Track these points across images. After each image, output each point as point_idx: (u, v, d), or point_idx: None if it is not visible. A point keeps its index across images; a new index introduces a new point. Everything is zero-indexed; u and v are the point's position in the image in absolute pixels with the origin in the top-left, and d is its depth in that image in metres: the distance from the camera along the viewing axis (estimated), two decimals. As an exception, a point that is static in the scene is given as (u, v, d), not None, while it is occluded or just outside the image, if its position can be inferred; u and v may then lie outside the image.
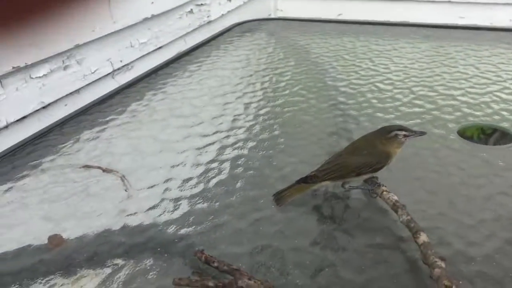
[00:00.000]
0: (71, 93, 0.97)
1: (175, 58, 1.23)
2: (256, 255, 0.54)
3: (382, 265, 0.52)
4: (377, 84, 1.01)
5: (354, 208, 0.62)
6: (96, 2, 1.02)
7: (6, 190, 0.70)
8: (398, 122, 0.82)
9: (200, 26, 1.38)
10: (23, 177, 0.73)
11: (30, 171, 0.74)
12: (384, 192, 0.62)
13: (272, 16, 1.77)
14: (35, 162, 0.77)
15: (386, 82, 1.01)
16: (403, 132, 0.61)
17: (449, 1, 1.50)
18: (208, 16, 1.41)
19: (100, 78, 1.04)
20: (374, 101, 0.92)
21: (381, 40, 1.30)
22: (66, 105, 0.96)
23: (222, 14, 1.48)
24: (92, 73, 1.02)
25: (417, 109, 0.88)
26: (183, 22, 1.29)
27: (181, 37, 1.29)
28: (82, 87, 1.00)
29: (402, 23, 1.45)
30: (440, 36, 1.32)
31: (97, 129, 0.87)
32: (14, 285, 0.52)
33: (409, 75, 1.05)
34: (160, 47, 1.22)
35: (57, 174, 0.73)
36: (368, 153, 0.62)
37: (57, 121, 0.91)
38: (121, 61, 1.10)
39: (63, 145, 0.82)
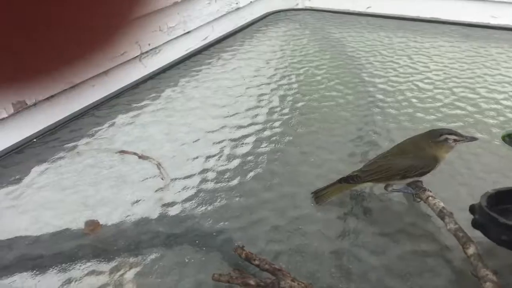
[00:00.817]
0: (98, 75, 0.96)
1: (208, 45, 1.21)
2: (296, 255, 0.53)
3: (428, 274, 0.51)
4: (417, 82, 0.98)
5: (396, 211, 0.61)
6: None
7: (43, 171, 0.69)
8: (440, 124, 0.80)
9: (228, 13, 1.35)
10: (59, 159, 0.73)
11: (66, 153, 0.74)
12: (430, 198, 0.60)
13: (300, 5, 1.74)
14: (71, 144, 0.77)
15: (426, 81, 0.98)
16: (454, 137, 0.59)
17: (483, -1, 1.45)
18: (236, 3, 1.39)
19: (128, 61, 1.03)
20: (414, 100, 0.90)
21: (419, 37, 1.26)
22: (93, 86, 0.95)
23: (251, 1, 1.45)
24: (121, 55, 1.01)
25: (459, 111, 0.85)
26: (211, 8, 1.27)
27: (209, 23, 1.27)
28: (110, 69, 0.99)
29: (435, 20, 1.40)
30: (480, 36, 1.28)
31: (131, 114, 0.86)
32: (53, 269, 0.52)
33: (450, 75, 1.02)
34: (187, 32, 1.21)
35: (93, 158, 0.73)
36: (415, 156, 0.60)
37: (90, 104, 0.90)
38: (149, 44, 1.09)
39: (99, 128, 0.81)
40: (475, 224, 0.53)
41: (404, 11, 1.48)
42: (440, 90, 0.94)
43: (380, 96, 0.91)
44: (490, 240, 0.51)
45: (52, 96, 0.87)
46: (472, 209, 0.55)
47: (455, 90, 0.94)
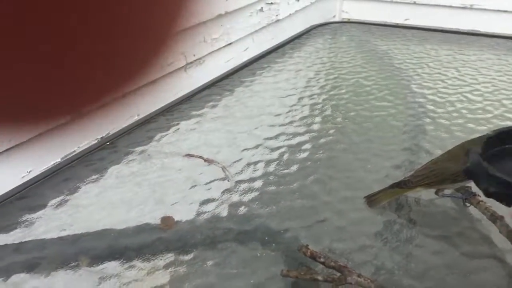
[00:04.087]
0: (146, 84, 1.01)
1: (260, 56, 1.27)
2: (360, 253, 0.57)
3: (488, 273, 0.54)
4: (466, 94, 1.00)
5: (450, 216, 0.64)
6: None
7: (119, 172, 0.76)
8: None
9: (268, 25, 1.40)
10: (132, 161, 0.79)
11: (137, 156, 0.81)
12: (481, 202, 0.63)
13: (337, 17, 1.77)
14: (140, 147, 0.83)
15: (475, 93, 1.01)
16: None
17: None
18: (276, 15, 1.44)
19: (174, 71, 1.09)
20: (464, 111, 0.92)
21: (465, 50, 1.28)
22: (142, 95, 1.01)
23: (290, 14, 1.50)
24: (168, 65, 1.06)
25: (509, 123, 0.87)
26: (253, 20, 1.32)
27: (249, 34, 1.32)
28: (157, 79, 1.04)
29: (478, 33, 1.41)
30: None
31: (193, 120, 0.92)
32: (138, 259, 0.58)
33: (498, 87, 1.04)
34: (230, 43, 1.26)
35: (163, 161, 0.78)
36: (465, 161, 0.63)
37: (157, 110, 0.97)
38: (194, 55, 1.14)
39: (165, 133, 0.87)
40: (466, 172, 0.56)
41: (442, 23, 1.49)
42: (490, 102, 0.96)
43: (431, 107, 0.95)
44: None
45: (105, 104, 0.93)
46: (466, 154, 0.57)
47: (504, 102, 0.97)
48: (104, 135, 0.91)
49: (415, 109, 0.94)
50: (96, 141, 0.89)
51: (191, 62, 1.15)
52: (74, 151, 0.85)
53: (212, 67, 1.19)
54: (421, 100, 0.98)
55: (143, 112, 0.98)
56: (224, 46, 1.25)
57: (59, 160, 0.82)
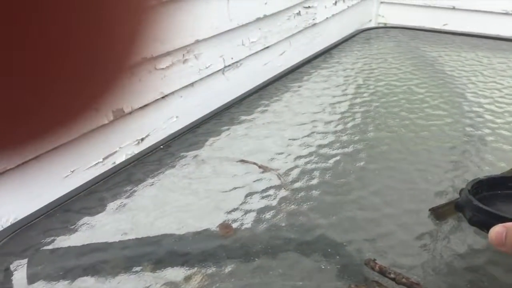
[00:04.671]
0: (186, 86, 1.02)
1: (298, 60, 1.26)
2: (429, 270, 0.55)
3: None
4: (525, 104, 0.97)
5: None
6: (217, 0, 1.06)
7: (175, 177, 0.76)
8: (558, 148, 0.79)
9: (305, 29, 1.39)
10: (186, 165, 0.79)
11: (191, 160, 0.80)
12: None
13: (373, 21, 1.75)
14: (192, 152, 0.83)
15: (535, 103, 0.97)
16: None
17: None
18: (313, 19, 1.42)
19: (212, 74, 1.09)
20: (525, 122, 0.89)
21: (520, 57, 1.24)
22: (181, 97, 1.01)
23: (327, 18, 1.48)
24: (206, 68, 1.06)
25: None
26: (290, 24, 1.32)
27: (286, 38, 1.32)
28: (196, 81, 1.04)
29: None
30: None
31: (244, 126, 0.92)
32: (200, 266, 0.57)
33: (559, 97, 1.00)
34: (267, 47, 1.25)
35: (217, 166, 0.78)
36: None
37: (209, 113, 0.97)
38: (232, 58, 1.14)
39: (216, 138, 0.87)
40: (457, 207, 0.59)
41: (483, 28, 1.45)
42: (552, 113, 0.92)
43: (489, 117, 0.91)
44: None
45: (146, 105, 0.92)
46: (459, 192, 0.61)
47: None
48: (144, 136, 0.92)
49: (473, 118, 0.91)
50: (136, 142, 0.89)
51: (229, 65, 1.15)
52: (116, 151, 0.86)
53: (250, 70, 1.19)
54: (478, 109, 0.95)
55: (182, 114, 0.98)
56: (261, 50, 1.24)
57: (100, 160, 0.83)
